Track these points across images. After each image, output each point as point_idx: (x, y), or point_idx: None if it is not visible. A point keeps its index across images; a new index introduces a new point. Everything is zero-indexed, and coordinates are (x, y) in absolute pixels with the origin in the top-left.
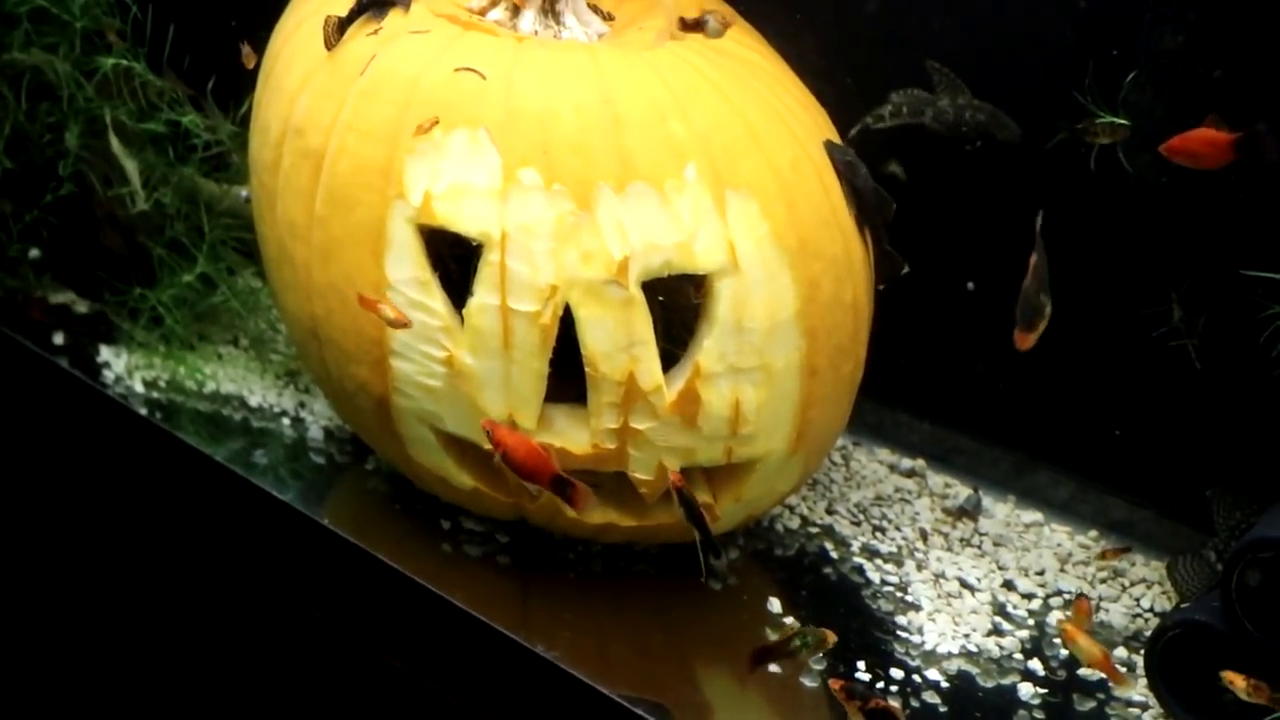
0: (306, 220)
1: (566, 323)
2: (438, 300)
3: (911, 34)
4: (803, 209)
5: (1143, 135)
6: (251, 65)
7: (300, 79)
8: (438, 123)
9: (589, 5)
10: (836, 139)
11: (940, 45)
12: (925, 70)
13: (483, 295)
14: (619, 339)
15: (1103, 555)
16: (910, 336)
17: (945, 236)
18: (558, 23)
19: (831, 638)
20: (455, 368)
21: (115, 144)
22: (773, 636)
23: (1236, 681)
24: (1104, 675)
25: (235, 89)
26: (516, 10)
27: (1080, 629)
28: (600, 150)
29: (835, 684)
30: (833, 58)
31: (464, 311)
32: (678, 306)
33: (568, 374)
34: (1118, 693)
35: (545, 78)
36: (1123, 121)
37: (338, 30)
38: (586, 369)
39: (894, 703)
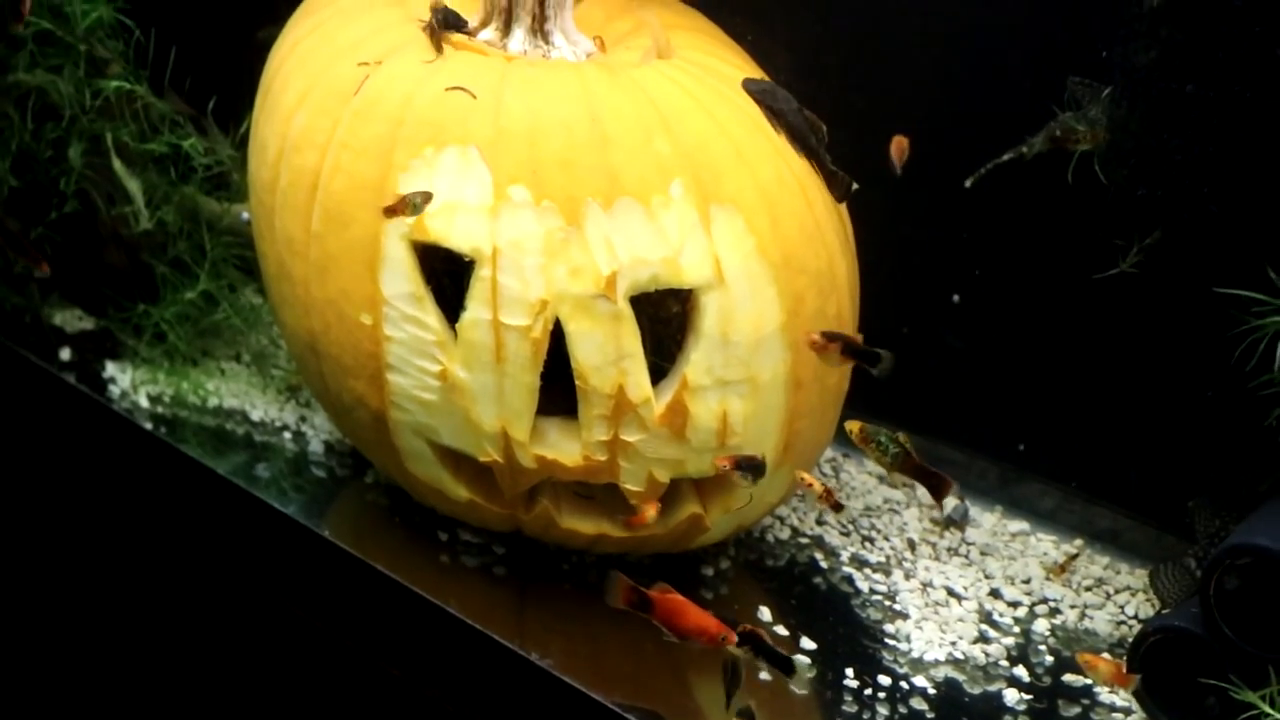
0: (304, 237)
1: (558, 337)
2: (431, 315)
3: (890, 52)
4: (786, 224)
5: (1119, 149)
6: None
7: (296, 98)
8: (380, 63)
9: (571, 31)
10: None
11: (920, 62)
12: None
13: (475, 310)
14: (608, 352)
15: (1060, 569)
16: (898, 349)
17: (934, 250)
18: (546, 42)
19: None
20: (449, 381)
21: (118, 165)
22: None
23: (1098, 665)
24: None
25: (235, 109)
26: (506, 30)
27: (1099, 657)
28: (588, 167)
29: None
30: (810, 75)
31: (457, 326)
32: (666, 320)
33: (559, 387)
34: (1102, 698)
35: (534, 97)
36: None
37: (433, 35)
38: (577, 382)
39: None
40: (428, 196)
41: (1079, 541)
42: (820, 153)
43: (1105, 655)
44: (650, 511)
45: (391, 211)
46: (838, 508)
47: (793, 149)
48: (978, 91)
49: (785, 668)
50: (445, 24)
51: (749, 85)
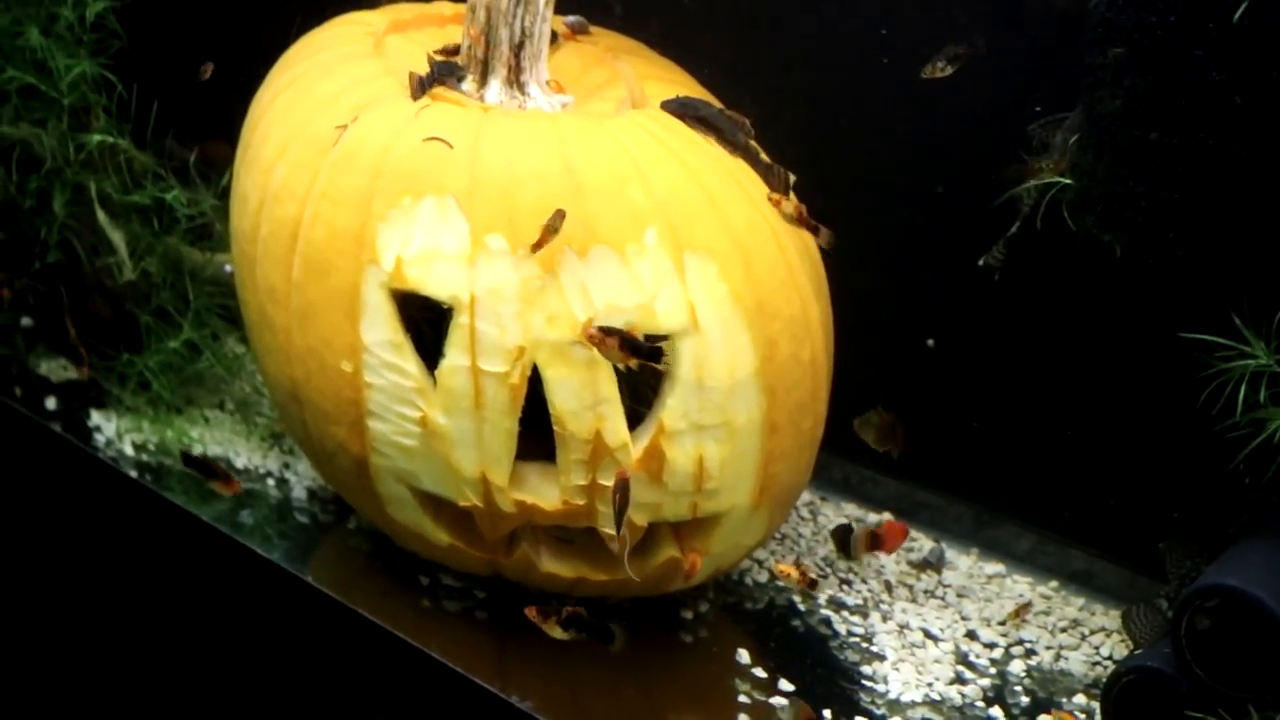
0: (285, 286)
1: (536, 383)
2: (411, 362)
3: (859, 90)
4: (760, 270)
5: (1085, 195)
6: (207, 76)
7: (277, 150)
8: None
9: (547, 82)
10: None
11: (888, 106)
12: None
13: (454, 356)
14: (585, 398)
15: (1015, 614)
16: (873, 393)
17: (905, 294)
18: (522, 93)
19: None
20: (429, 427)
21: (102, 216)
22: (742, 687)
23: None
24: None
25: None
26: (483, 81)
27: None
28: None
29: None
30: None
31: (436, 373)
32: (642, 367)
33: (538, 433)
34: None
35: (510, 147)
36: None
37: (420, 88)
38: (555, 427)
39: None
40: (561, 214)
41: (1054, 584)
42: (751, 149)
43: (1077, 716)
44: (697, 561)
45: (539, 246)
46: (813, 585)
47: (730, 153)
48: (950, 135)
49: (606, 637)
50: (439, 77)
51: (667, 105)
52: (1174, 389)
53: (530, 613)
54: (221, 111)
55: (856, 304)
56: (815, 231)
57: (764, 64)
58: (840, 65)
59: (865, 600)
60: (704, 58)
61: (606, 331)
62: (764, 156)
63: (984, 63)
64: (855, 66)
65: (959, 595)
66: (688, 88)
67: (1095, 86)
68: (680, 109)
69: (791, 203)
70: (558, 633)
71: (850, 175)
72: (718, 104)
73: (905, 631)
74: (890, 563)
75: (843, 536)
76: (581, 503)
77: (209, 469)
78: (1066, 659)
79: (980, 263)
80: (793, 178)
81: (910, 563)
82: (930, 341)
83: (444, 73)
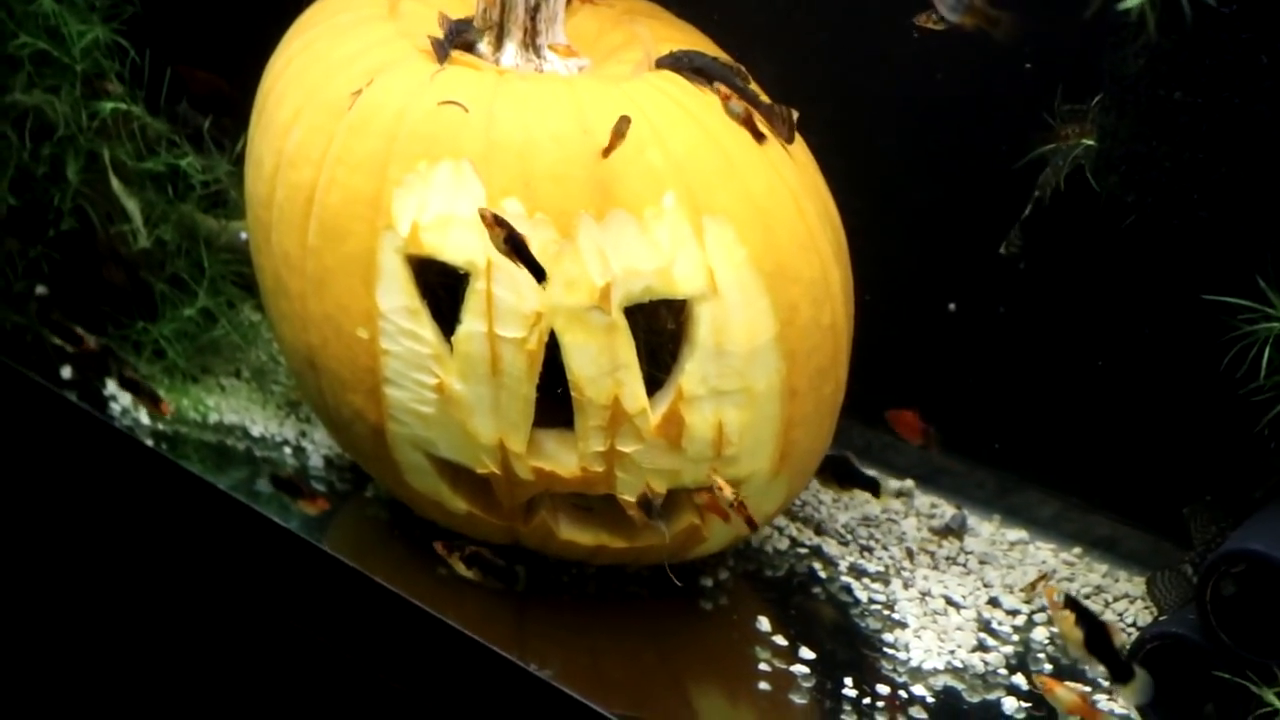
0: (300, 252)
1: (553, 348)
2: (427, 328)
3: (885, 57)
4: (779, 233)
5: (1109, 156)
6: None
7: (291, 114)
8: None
9: (563, 45)
10: (812, 163)
11: (914, 71)
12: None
13: (470, 323)
14: (603, 363)
15: (1031, 586)
16: (895, 358)
17: (929, 258)
18: (538, 56)
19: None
20: (446, 394)
21: (116, 183)
22: (763, 654)
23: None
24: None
25: (232, 124)
26: (499, 44)
27: (1057, 682)
28: (580, 180)
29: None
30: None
31: (453, 339)
32: (660, 332)
33: (556, 399)
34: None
35: (525, 110)
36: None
37: (442, 50)
38: (573, 393)
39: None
40: (627, 120)
41: (1077, 550)
42: (750, 92)
43: (1066, 683)
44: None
45: (609, 151)
46: (751, 525)
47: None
48: (974, 101)
49: (509, 579)
50: (454, 36)
51: (662, 62)
52: (1198, 353)
53: (438, 546)
54: (235, 78)
55: (877, 267)
56: (760, 139)
57: (786, 25)
58: (865, 26)
59: (886, 567)
60: (723, 20)
61: (498, 221)
62: (764, 98)
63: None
64: (880, 28)
65: (981, 562)
66: (705, 49)
67: (1118, 45)
68: (675, 63)
69: (740, 103)
70: (462, 569)
71: (872, 137)
72: (726, 58)
73: (927, 599)
74: (912, 529)
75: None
76: (600, 469)
77: (296, 489)
78: None
79: (1001, 251)
80: (795, 114)
81: (932, 529)
82: (952, 306)
83: (458, 31)
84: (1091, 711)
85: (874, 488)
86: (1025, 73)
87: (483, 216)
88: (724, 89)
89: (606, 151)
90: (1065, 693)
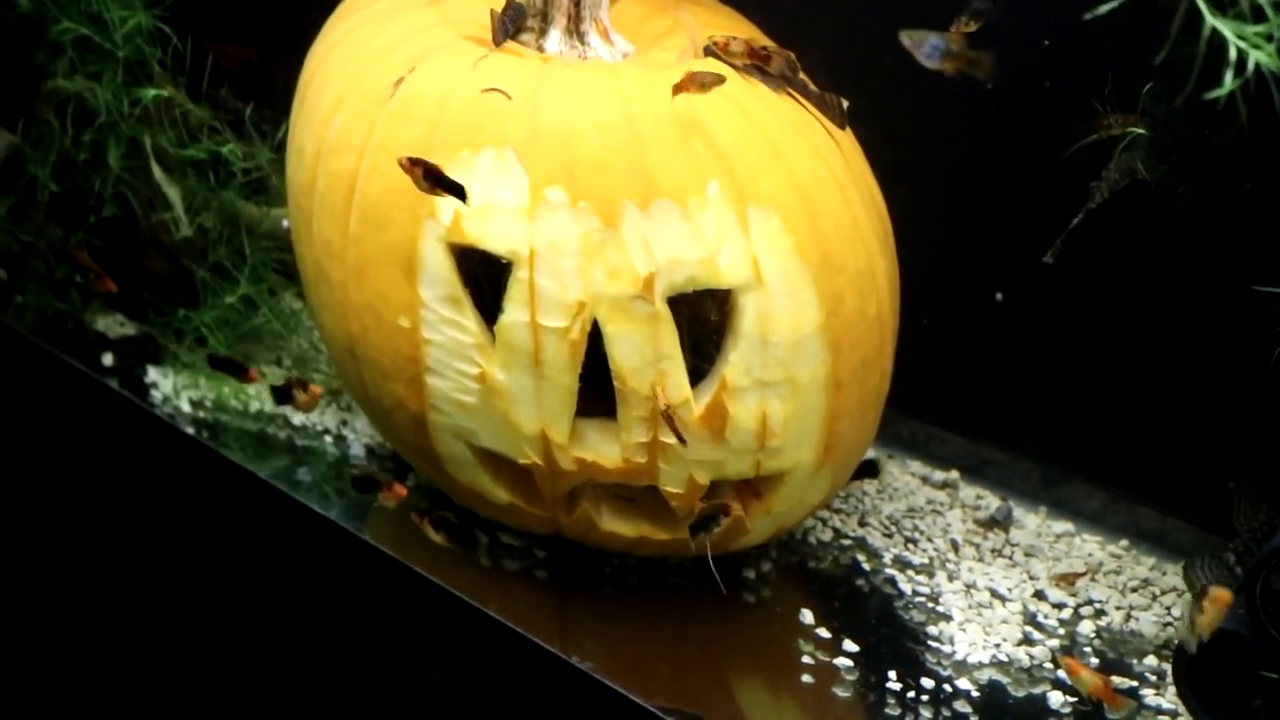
0: (341, 240)
1: (596, 338)
2: (470, 318)
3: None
4: (825, 223)
5: (1159, 145)
6: None
7: (333, 102)
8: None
9: (607, 31)
10: (858, 152)
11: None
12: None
13: (513, 312)
14: (646, 354)
15: (1069, 580)
16: (940, 349)
17: (976, 249)
18: (582, 43)
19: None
20: (488, 384)
21: (157, 171)
22: (806, 647)
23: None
24: (1117, 691)
25: (273, 113)
26: (543, 31)
27: (1080, 663)
28: (624, 168)
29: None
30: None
31: (495, 328)
32: (704, 322)
33: (599, 389)
34: (1148, 700)
35: (569, 97)
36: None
37: (503, 31)
38: (615, 383)
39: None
40: (719, 78)
41: (1124, 543)
42: (799, 82)
43: (1092, 664)
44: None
45: (680, 88)
46: (680, 440)
47: (777, 91)
48: (1023, 89)
49: (468, 542)
50: (514, 19)
51: (708, 49)
52: (1248, 344)
53: (412, 515)
54: (277, 64)
55: (923, 257)
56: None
57: (831, 11)
58: (910, 12)
59: (931, 559)
60: (768, 6)
61: (414, 161)
62: (813, 87)
63: (1059, 17)
64: (927, 13)
65: (1027, 554)
66: (750, 36)
67: (1168, 34)
68: (711, 52)
69: (740, 43)
70: (432, 534)
71: (919, 126)
72: (771, 44)
73: (972, 591)
74: (957, 521)
75: None
76: (642, 460)
77: (375, 483)
78: (1137, 619)
79: (1046, 259)
80: (846, 103)
81: (977, 521)
82: (999, 296)
83: (519, 14)
84: (1112, 695)
85: (873, 471)
86: (1072, 64)
87: (400, 163)
88: (719, 40)
89: (676, 89)
90: (1089, 675)
